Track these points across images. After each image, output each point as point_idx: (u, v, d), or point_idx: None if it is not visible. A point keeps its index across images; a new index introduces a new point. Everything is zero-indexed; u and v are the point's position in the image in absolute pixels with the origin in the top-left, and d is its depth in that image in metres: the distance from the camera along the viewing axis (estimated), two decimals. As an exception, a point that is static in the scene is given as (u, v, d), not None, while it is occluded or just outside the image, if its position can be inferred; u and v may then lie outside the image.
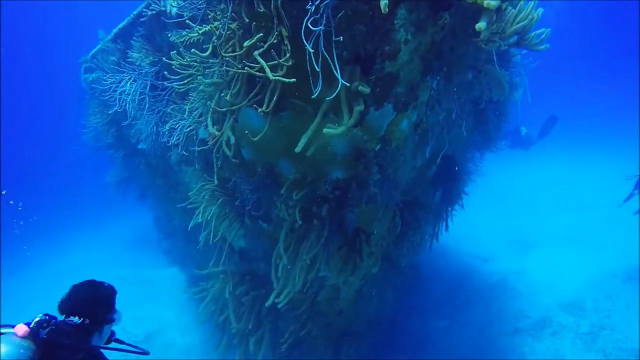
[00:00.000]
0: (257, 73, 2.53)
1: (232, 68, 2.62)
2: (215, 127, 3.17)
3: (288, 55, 2.60)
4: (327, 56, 2.63)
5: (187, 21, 3.41)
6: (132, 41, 4.66)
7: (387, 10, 2.46)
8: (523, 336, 8.05)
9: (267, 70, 2.43)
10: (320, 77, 2.85)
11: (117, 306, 2.42)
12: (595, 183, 13.94)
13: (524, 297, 8.89)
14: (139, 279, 11.62)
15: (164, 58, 3.93)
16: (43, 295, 11.50)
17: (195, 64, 3.18)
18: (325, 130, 2.91)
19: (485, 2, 2.29)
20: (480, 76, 3.67)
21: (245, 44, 2.56)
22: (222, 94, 3.05)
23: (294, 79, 2.54)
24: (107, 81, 4.80)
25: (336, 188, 3.84)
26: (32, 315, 2.08)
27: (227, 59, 2.65)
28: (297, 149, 2.98)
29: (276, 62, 2.53)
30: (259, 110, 2.75)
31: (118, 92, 4.74)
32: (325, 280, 4.54)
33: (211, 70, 2.99)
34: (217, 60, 3.00)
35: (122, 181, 7.56)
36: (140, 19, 4.39)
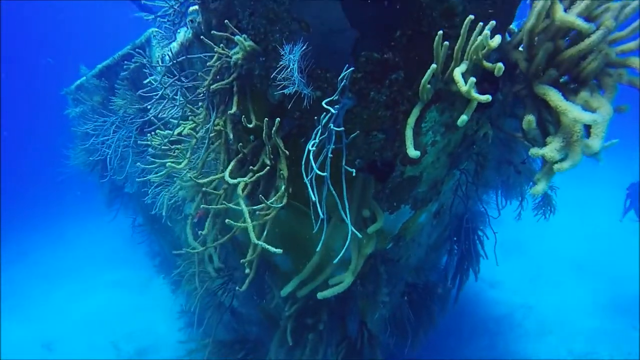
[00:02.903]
0: (239, 224, 1.98)
1: (209, 203, 2.07)
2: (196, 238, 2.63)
3: (282, 189, 2.02)
4: (336, 195, 2.05)
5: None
6: (115, 85, 4.08)
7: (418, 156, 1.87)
8: (529, 386, 7.65)
9: (252, 232, 1.87)
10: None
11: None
12: (602, 201, 13.14)
13: (532, 338, 8.44)
14: (135, 283, 11.32)
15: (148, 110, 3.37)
16: (39, 296, 11.32)
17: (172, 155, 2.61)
18: (320, 295, 2.38)
19: (556, 166, 1.69)
20: (521, 178, 3.06)
21: (226, 177, 1.99)
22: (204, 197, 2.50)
23: (280, 250, 1.99)
24: (89, 125, 4.24)
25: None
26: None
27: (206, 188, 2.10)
28: (283, 294, 2.48)
29: (264, 205, 1.96)
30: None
31: (100, 139, 4.19)
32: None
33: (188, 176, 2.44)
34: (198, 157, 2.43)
35: (112, 201, 7.10)
36: (123, 67, 3.79)
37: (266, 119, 1.97)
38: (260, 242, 1.92)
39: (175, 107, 2.26)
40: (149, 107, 2.84)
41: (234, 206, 1.97)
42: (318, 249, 2.13)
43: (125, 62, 3.65)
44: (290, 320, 3.08)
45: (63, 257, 13.89)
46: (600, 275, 9.97)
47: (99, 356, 9.05)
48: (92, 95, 4.48)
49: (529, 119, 1.84)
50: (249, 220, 1.90)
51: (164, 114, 2.65)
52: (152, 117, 2.76)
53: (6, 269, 13.06)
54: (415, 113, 2.01)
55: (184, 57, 2.52)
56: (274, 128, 1.88)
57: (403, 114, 2.38)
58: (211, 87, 2.03)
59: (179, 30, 2.55)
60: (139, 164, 3.98)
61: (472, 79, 1.66)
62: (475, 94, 1.68)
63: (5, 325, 10.10)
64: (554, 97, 1.79)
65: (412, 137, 1.91)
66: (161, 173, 2.67)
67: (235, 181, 1.97)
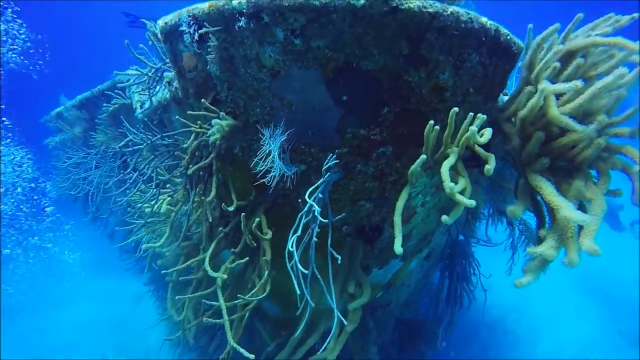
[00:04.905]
0: (218, 320, 1.89)
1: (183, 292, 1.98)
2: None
3: (266, 275, 1.94)
4: (321, 280, 1.98)
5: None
6: (96, 119, 3.93)
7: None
8: (519, 393, 7.74)
9: (228, 332, 1.79)
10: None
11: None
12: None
13: (524, 345, 8.51)
14: (125, 292, 11.16)
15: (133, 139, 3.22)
16: (26, 306, 11.14)
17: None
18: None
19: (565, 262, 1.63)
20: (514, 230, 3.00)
21: (206, 267, 1.90)
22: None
23: (253, 355, 1.91)
24: (69, 160, 4.10)
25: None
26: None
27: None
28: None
29: (241, 300, 1.87)
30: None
31: (81, 175, 4.06)
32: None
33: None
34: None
35: (97, 225, 6.92)
36: (104, 102, 3.64)
37: (243, 213, 1.87)
38: (236, 346, 1.85)
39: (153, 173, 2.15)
40: (129, 161, 2.72)
41: (213, 302, 1.89)
42: (299, 331, 2.06)
43: (106, 94, 3.51)
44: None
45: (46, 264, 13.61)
46: (593, 281, 10.06)
47: (90, 369, 8.91)
48: (72, 126, 4.33)
49: (512, 210, 1.79)
50: (226, 317, 1.82)
51: (145, 169, 2.54)
52: (131, 172, 2.64)
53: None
54: (403, 196, 1.92)
55: (161, 113, 2.40)
56: (254, 224, 1.78)
57: (392, 183, 2.30)
58: (189, 169, 1.92)
59: (155, 92, 2.43)
60: (121, 200, 3.86)
61: (452, 185, 1.58)
62: (459, 197, 1.60)
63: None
64: (547, 191, 1.72)
65: (400, 226, 1.82)
66: (140, 236, 2.57)
67: (215, 275, 1.88)
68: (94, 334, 9.55)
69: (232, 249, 2.01)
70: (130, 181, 2.87)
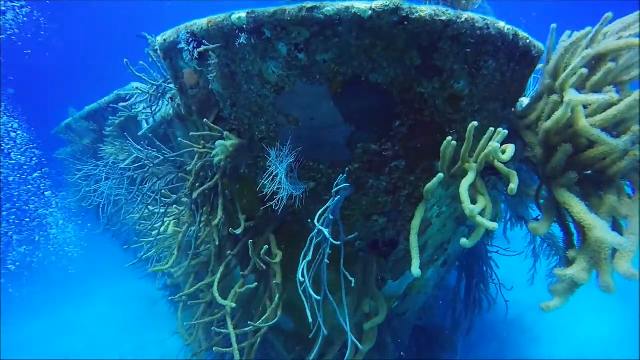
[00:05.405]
0: (227, 349, 1.82)
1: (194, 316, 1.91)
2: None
3: (277, 299, 1.85)
4: (334, 303, 1.88)
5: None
6: (103, 130, 3.90)
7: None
8: (538, 394, 7.54)
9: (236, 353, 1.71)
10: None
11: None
12: None
13: (542, 344, 8.30)
14: (142, 294, 11.19)
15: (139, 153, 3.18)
16: (44, 309, 11.27)
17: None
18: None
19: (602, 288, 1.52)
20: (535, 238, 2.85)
21: (215, 294, 1.82)
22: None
23: None
24: (79, 173, 4.08)
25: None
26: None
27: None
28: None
29: (252, 328, 1.79)
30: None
31: (91, 188, 4.04)
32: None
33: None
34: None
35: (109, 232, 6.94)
36: (110, 113, 3.60)
37: (250, 240, 1.78)
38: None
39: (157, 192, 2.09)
40: (135, 177, 2.67)
41: (222, 330, 1.81)
42: (314, 354, 1.97)
43: (112, 106, 3.47)
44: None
45: (63, 269, 13.74)
46: (613, 279, 9.71)
47: (108, 372, 8.96)
48: (81, 137, 4.32)
49: (536, 227, 1.66)
50: (235, 346, 1.74)
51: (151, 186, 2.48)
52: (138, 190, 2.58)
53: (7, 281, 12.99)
54: (419, 214, 1.81)
55: (166, 128, 2.33)
56: (262, 251, 1.70)
57: (406, 197, 2.18)
58: (194, 192, 1.85)
59: (158, 109, 2.36)
60: (131, 214, 3.82)
61: (472, 207, 1.46)
62: (480, 220, 1.48)
63: (10, 341, 10.03)
64: (577, 209, 1.59)
65: (417, 248, 1.72)
66: (149, 254, 2.51)
67: (224, 302, 1.81)
68: (109, 335, 9.60)
69: (242, 272, 1.93)
70: (137, 201, 2.83)
